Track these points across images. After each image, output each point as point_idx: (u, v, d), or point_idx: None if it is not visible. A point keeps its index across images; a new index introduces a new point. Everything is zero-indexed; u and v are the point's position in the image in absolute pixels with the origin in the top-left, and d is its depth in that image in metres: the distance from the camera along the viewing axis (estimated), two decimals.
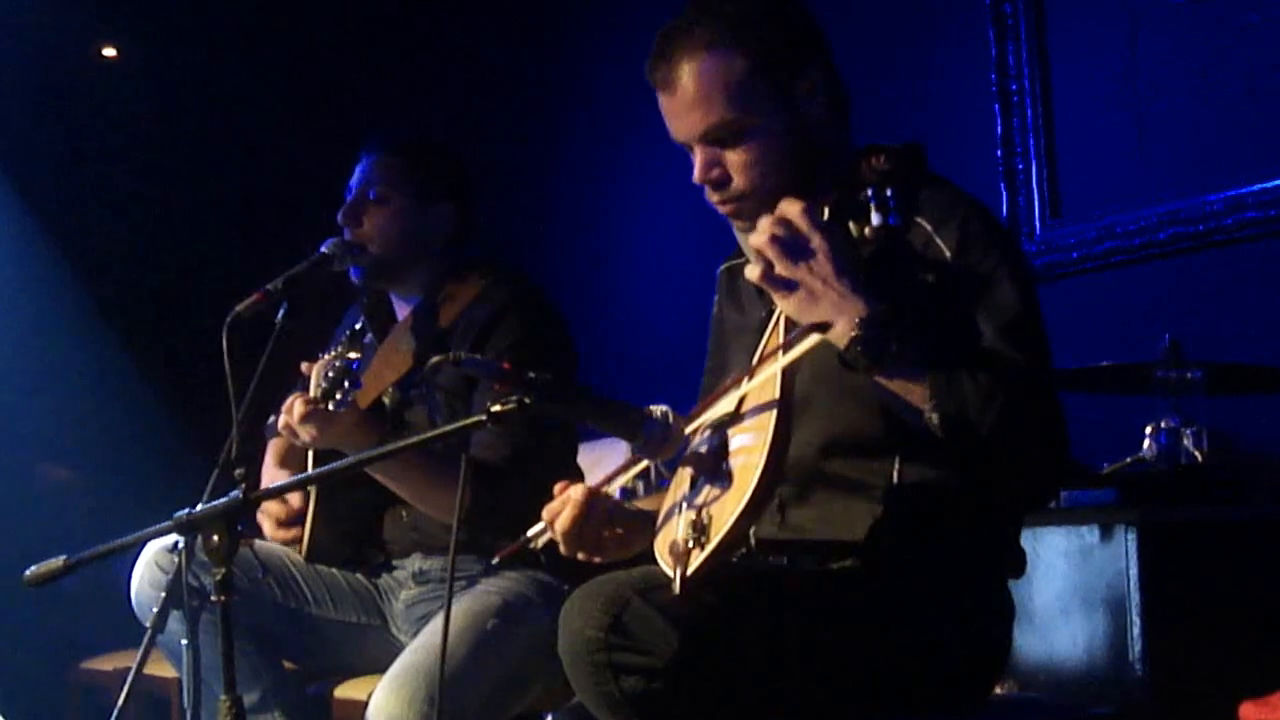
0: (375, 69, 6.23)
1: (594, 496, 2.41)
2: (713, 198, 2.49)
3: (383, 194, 3.48)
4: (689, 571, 2.15)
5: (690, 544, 2.15)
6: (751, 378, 2.32)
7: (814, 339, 2.22)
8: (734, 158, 2.45)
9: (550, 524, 2.43)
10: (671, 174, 5.23)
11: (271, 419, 3.46)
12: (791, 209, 2.27)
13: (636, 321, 5.47)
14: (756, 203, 2.44)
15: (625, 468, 2.45)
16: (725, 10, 2.46)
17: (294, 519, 3.49)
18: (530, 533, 2.45)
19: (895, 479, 2.40)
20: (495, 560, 2.59)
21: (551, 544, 2.45)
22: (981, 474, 2.29)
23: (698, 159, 2.48)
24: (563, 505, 2.41)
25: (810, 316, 2.23)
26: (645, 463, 2.40)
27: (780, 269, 2.25)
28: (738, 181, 2.46)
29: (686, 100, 2.45)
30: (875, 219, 2.25)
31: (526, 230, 5.77)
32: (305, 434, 3.13)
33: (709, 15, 2.46)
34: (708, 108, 2.44)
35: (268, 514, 3.51)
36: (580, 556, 2.45)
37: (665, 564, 2.20)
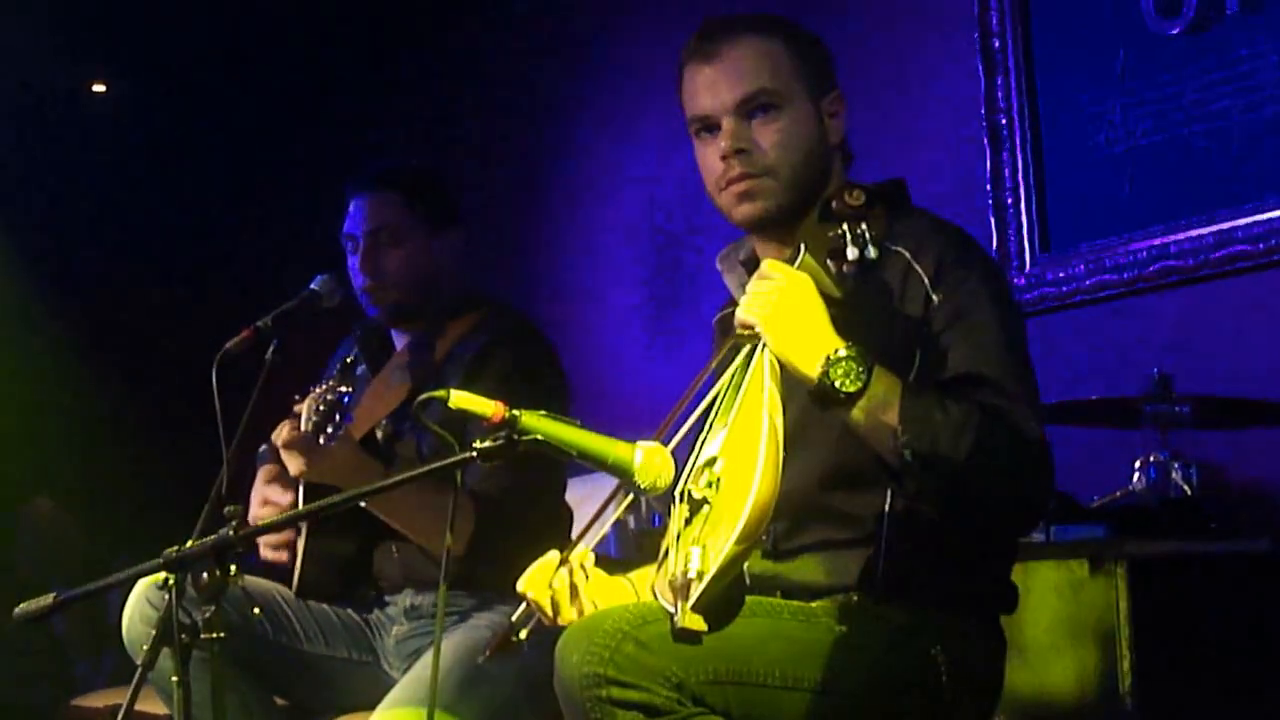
0: (362, 104, 6.24)
1: (564, 561, 2.42)
2: (733, 172, 2.52)
3: (394, 234, 3.45)
4: (691, 603, 2.14)
5: (690, 576, 2.15)
6: (734, 411, 2.32)
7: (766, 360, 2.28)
8: (765, 132, 2.52)
9: (527, 595, 2.42)
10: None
11: (264, 447, 3.46)
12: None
13: (625, 357, 5.46)
14: (775, 183, 2.52)
15: (603, 510, 2.44)
16: (773, 18, 2.60)
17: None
18: (514, 618, 2.44)
19: (887, 512, 2.40)
20: (482, 659, 2.54)
21: (539, 625, 2.44)
22: (958, 506, 2.30)
23: (728, 128, 2.53)
24: (539, 572, 2.42)
25: (785, 353, 2.27)
26: (629, 498, 2.39)
27: (756, 307, 2.31)
28: (765, 155, 2.51)
29: (731, 68, 2.53)
30: (851, 254, 2.29)
31: (520, 265, 5.77)
32: (292, 464, 3.13)
33: (759, 16, 2.59)
34: (753, 76, 2.52)
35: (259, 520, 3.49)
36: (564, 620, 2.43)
37: (666, 600, 2.19)
